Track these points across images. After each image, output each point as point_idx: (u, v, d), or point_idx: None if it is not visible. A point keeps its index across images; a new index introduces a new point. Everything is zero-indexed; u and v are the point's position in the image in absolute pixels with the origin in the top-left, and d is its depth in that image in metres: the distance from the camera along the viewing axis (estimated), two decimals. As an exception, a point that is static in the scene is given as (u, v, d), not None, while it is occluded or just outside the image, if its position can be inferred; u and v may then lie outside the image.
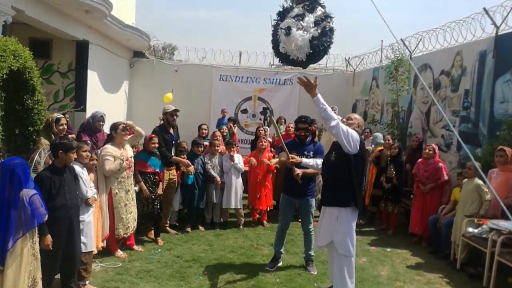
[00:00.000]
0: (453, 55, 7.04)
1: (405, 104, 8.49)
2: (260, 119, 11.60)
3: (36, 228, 3.32)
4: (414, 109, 8.25)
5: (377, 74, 10.09)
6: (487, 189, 5.05)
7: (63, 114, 5.40)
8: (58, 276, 3.83)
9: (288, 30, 3.66)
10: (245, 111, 11.68)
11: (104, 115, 5.48)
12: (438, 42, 7.55)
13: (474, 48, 6.49)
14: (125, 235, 5.03)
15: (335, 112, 9.28)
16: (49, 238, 3.48)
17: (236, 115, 11.40)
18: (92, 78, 8.58)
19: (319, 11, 3.72)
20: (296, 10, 3.71)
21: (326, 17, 3.67)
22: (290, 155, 4.40)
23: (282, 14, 3.83)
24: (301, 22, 3.62)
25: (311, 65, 13.09)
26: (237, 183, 6.57)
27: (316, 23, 3.61)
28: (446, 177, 5.96)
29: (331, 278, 4.12)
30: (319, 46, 3.62)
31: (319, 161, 4.32)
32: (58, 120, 4.86)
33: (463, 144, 2.34)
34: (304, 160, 4.40)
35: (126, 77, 11.06)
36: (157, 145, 5.49)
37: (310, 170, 4.55)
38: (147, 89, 11.18)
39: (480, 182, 5.10)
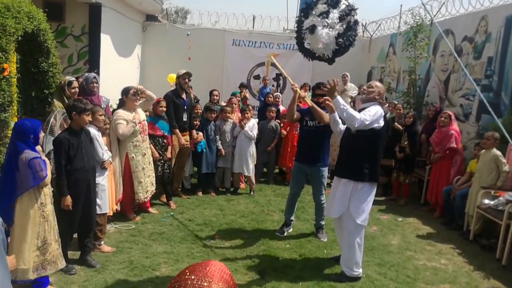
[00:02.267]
0: (477, 20, 6.72)
1: (423, 72, 8.24)
2: (273, 85, 11.43)
3: (49, 191, 3.37)
4: (432, 77, 8.00)
5: (395, 40, 9.76)
6: (505, 160, 4.94)
7: (76, 77, 5.39)
8: (75, 235, 3.95)
9: (312, 28, 3.57)
10: (257, 77, 11.51)
11: (98, 76, 5.41)
12: (463, 6, 7.21)
13: (500, 12, 6.17)
14: (145, 199, 5.11)
15: (346, 80, 9.22)
16: (68, 199, 3.59)
17: (248, 81, 11.26)
18: (105, 41, 8.49)
19: (343, 4, 3.61)
20: (321, 8, 3.59)
21: (351, 10, 3.56)
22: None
23: (306, 11, 3.71)
24: (326, 19, 3.52)
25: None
26: (249, 149, 6.48)
27: (341, 18, 3.53)
28: (453, 145, 5.77)
29: (341, 247, 4.14)
30: (345, 42, 3.55)
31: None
32: (70, 83, 4.87)
33: (490, 110, 2.26)
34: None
35: (139, 41, 10.93)
36: (164, 109, 5.49)
37: (318, 109, 4.40)
38: (160, 53, 11.07)
39: (498, 152, 4.99)
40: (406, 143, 6.34)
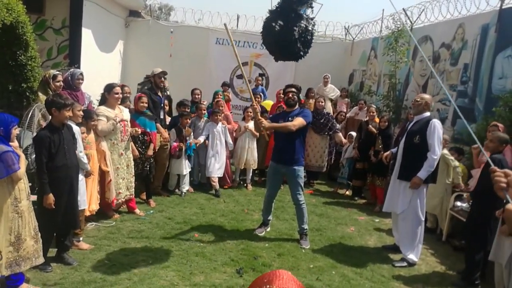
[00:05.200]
0: (455, 28, 6.92)
1: (403, 76, 8.42)
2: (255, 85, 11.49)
3: (25, 186, 3.32)
4: (411, 81, 8.19)
5: (376, 44, 9.94)
6: (452, 157, 5.23)
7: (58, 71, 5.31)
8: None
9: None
10: (240, 76, 11.52)
11: (83, 73, 5.34)
12: (441, 13, 7.41)
13: (477, 21, 6.38)
14: (114, 200, 4.95)
15: (328, 81, 9.37)
16: (50, 197, 3.53)
17: (231, 80, 11.27)
18: (87, 36, 8.36)
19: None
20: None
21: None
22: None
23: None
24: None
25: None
26: (220, 153, 6.57)
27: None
28: None
29: (397, 238, 4.76)
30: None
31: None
32: (55, 76, 4.80)
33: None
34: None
35: (121, 37, 10.80)
36: (146, 105, 5.43)
37: (278, 125, 4.64)
38: (142, 50, 10.96)
39: (445, 151, 5.20)
40: (381, 146, 6.34)
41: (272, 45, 3.96)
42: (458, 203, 5.03)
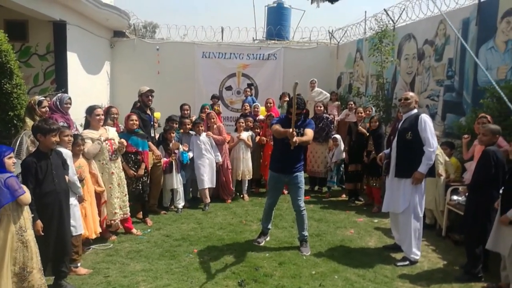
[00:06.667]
0: (436, 24, 7.01)
1: (390, 75, 8.49)
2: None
3: (29, 216, 3.30)
4: (399, 80, 8.26)
5: (361, 46, 10.03)
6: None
7: (45, 97, 5.27)
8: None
9: None
10: (229, 88, 11.58)
11: (70, 97, 5.29)
12: (422, 11, 7.50)
13: (457, 16, 6.46)
14: (112, 221, 4.93)
15: (314, 86, 9.38)
16: (39, 223, 3.46)
17: (220, 92, 11.30)
18: (72, 59, 8.37)
19: None
20: None
21: None
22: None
23: None
24: None
25: (295, 39, 12.81)
26: (209, 163, 6.47)
27: None
28: None
29: (397, 238, 4.76)
30: None
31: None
32: (40, 102, 4.74)
33: None
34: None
35: (107, 58, 10.82)
36: (136, 122, 5.41)
37: (304, 138, 4.53)
38: (129, 69, 10.99)
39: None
40: (373, 147, 6.31)
41: None
42: (455, 197, 5.03)
